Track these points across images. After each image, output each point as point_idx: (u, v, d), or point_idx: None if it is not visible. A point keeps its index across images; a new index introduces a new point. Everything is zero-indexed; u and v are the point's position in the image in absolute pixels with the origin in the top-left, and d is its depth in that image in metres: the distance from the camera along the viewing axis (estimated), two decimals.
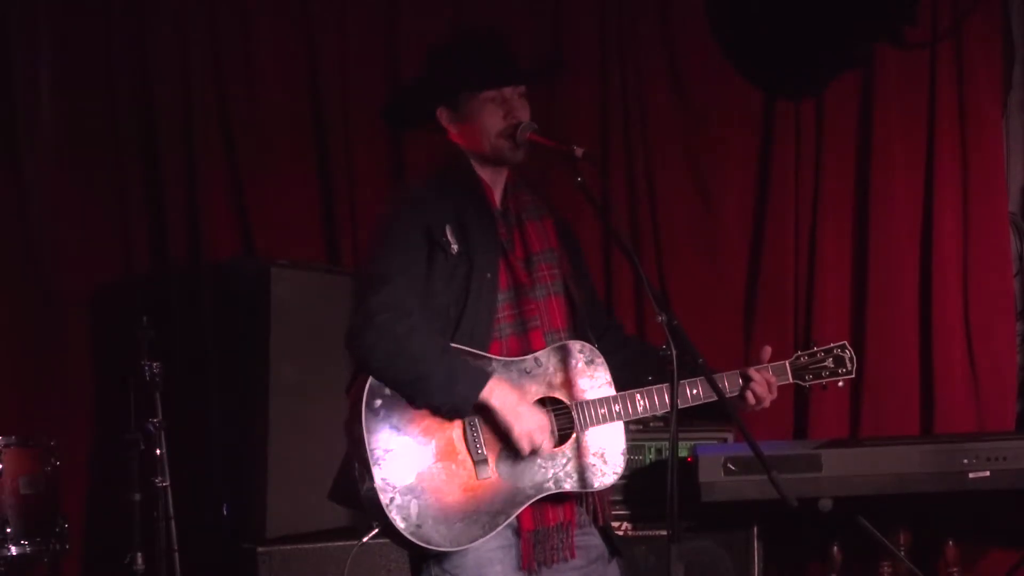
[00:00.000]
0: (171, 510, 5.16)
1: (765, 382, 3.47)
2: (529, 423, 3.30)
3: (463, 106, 3.46)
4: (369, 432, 3.26)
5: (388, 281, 3.32)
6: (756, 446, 3.31)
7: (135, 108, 6.03)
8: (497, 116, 3.44)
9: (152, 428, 5.17)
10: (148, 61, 6.01)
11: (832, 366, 3.54)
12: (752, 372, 3.47)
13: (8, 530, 5.13)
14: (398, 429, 3.28)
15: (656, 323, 3.21)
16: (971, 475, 4.97)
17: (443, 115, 3.49)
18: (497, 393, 3.29)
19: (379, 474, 3.25)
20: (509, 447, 3.33)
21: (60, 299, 5.92)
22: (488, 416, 3.31)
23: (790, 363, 3.53)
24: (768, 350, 3.52)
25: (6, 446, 5.23)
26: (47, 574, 5.36)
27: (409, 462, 3.27)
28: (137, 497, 5.19)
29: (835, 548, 5.54)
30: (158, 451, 5.16)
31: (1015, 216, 6.01)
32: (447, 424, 3.31)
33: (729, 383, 3.47)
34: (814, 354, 3.55)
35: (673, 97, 6.14)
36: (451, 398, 3.27)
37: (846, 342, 3.58)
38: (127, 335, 5.30)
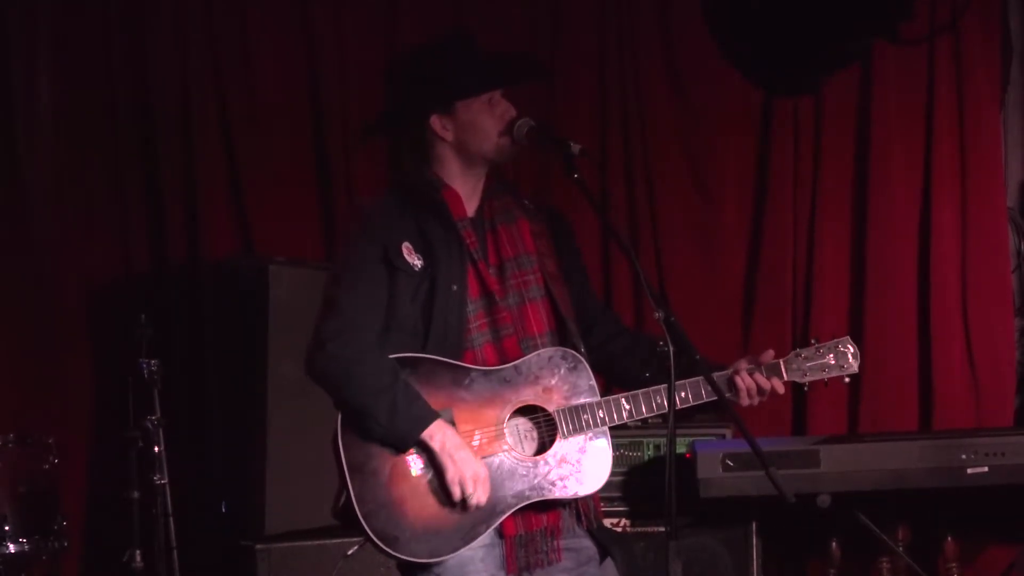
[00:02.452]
0: (170, 508, 5.17)
1: (754, 385, 3.41)
2: (464, 470, 3.26)
3: (460, 111, 3.44)
4: (346, 446, 3.27)
5: (338, 307, 3.33)
6: (754, 442, 3.29)
7: (134, 107, 6.03)
8: (495, 116, 3.43)
9: (151, 426, 5.17)
10: (147, 60, 6.01)
11: (833, 363, 3.48)
12: (737, 380, 3.41)
13: (6, 528, 5.12)
14: (375, 442, 3.28)
15: (654, 320, 3.19)
16: (970, 471, 4.98)
17: (437, 123, 3.45)
18: (438, 436, 3.26)
19: (355, 487, 3.25)
20: (489, 456, 3.32)
21: (59, 297, 5.92)
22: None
23: (785, 361, 3.45)
24: (770, 353, 3.46)
25: (5, 444, 5.22)
26: (46, 572, 5.36)
27: (384, 474, 3.27)
28: (136, 495, 5.19)
29: (834, 544, 5.54)
30: (157, 449, 5.16)
31: (1013, 212, 6.01)
32: None
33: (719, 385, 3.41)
34: (816, 350, 3.48)
35: (672, 94, 6.14)
36: (392, 436, 3.26)
37: (848, 336, 3.50)
38: (126, 333, 5.30)
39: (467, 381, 3.33)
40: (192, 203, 6.00)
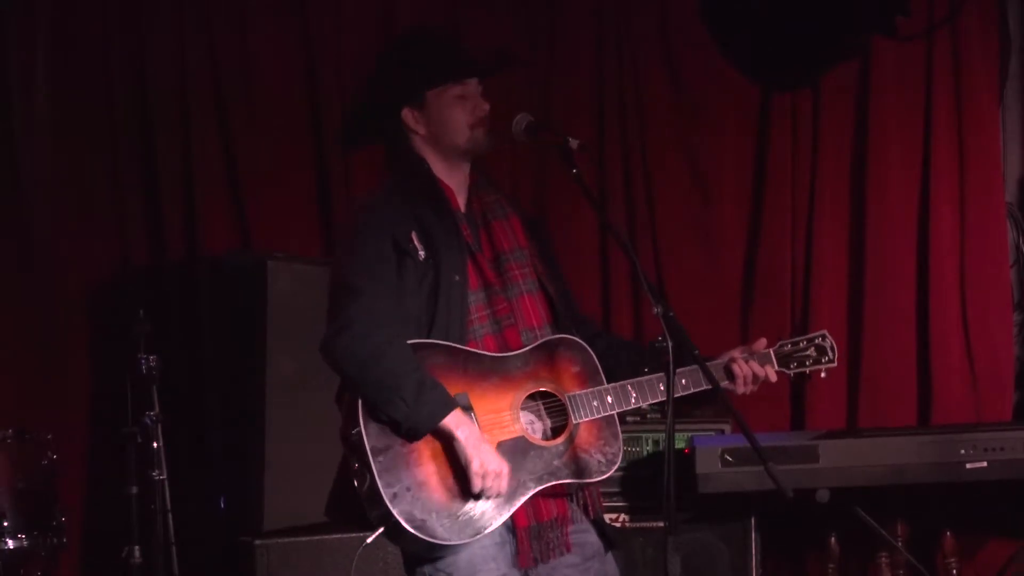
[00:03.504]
0: (168, 503, 5.17)
1: (750, 372, 3.51)
2: (489, 464, 3.27)
3: (430, 105, 3.49)
4: (368, 430, 3.26)
5: (363, 292, 3.33)
6: (753, 437, 3.32)
7: (132, 103, 6.02)
8: (466, 110, 3.47)
9: (149, 422, 5.17)
10: (145, 56, 6.00)
11: (814, 355, 3.60)
12: (735, 367, 3.51)
13: (5, 524, 5.13)
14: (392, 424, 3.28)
15: (652, 315, 3.21)
16: (968, 466, 4.97)
17: (409, 116, 3.50)
18: (462, 429, 3.27)
19: (380, 470, 3.24)
20: (506, 439, 3.33)
21: (57, 293, 5.92)
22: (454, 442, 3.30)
23: (774, 351, 3.58)
24: (763, 342, 3.57)
25: (3, 440, 5.23)
26: (44, 568, 5.34)
27: (408, 457, 3.27)
28: (134, 491, 5.19)
29: (833, 539, 5.55)
30: (155, 444, 5.17)
31: (1012, 207, 6.01)
32: None
33: (716, 374, 3.49)
34: (797, 343, 3.61)
35: (670, 89, 6.13)
36: (415, 416, 3.25)
37: (826, 331, 3.64)
38: (124, 329, 5.30)
39: (480, 367, 3.36)
40: (190, 199, 6.00)
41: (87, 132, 6.00)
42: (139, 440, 5.20)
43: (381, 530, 3.32)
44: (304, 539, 5.16)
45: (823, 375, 3.63)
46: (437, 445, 3.30)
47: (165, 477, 5.17)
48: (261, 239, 5.93)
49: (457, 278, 3.40)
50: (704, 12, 6.05)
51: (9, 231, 5.90)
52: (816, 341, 3.61)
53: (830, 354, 3.60)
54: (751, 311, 6.04)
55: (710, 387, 3.43)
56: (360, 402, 3.29)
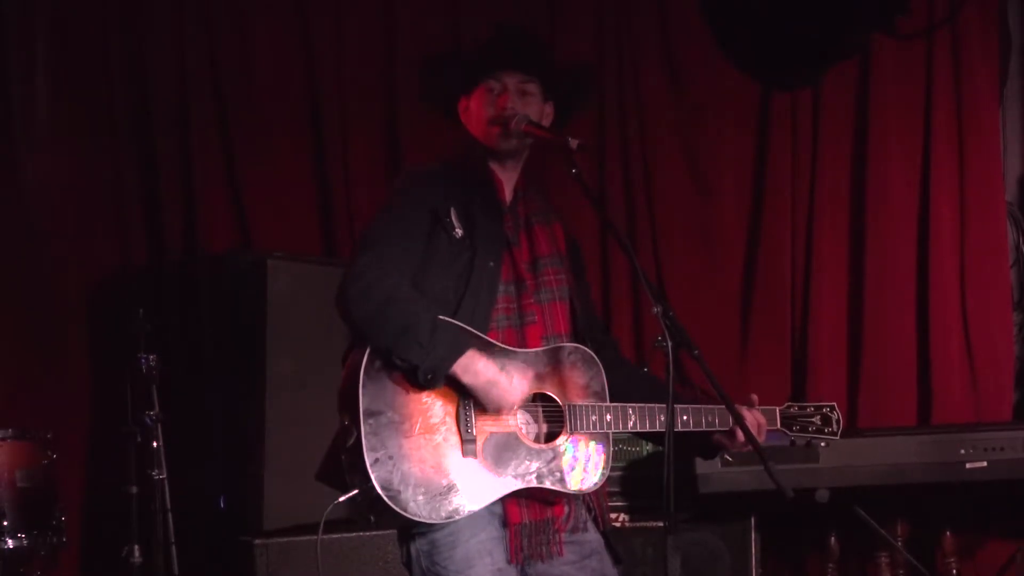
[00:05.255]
0: (168, 503, 5.17)
1: (756, 423, 3.48)
2: (505, 401, 3.28)
3: (471, 94, 3.50)
4: (365, 390, 3.23)
5: (379, 245, 3.33)
6: (753, 437, 3.32)
7: (132, 101, 6.02)
8: (490, 104, 3.46)
9: (149, 421, 5.18)
10: (145, 55, 6.01)
11: (818, 423, 3.59)
12: (744, 411, 3.47)
13: (5, 523, 5.13)
14: (394, 393, 3.25)
15: (652, 315, 3.21)
16: (968, 466, 4.99)
17: (461, 104, 3.54)
18: (471, 368, 3.25)
19: (367, 432, 3.20)
20: (498, 432, 3.33)
21: (58, 292, 5.92)
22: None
23: (780, 410, 3.56)
24: (755, 398, 3.53)
25: (3, 439, 5.23)
26: (44, 567, 5.35)
27: (399, 427, 3.23)
28: (134, 490, 5.20)
29: (832, 539, 5.55)
30: (155, 444, 5.18)
31: (1012, 207, 6.01)
32: (442, 398, 3.29)
33: (720, 418, 3.45)
34: (804, 407, 3.59)
35: (670, 89, 6.14)
36: (430, 355, 3.21)
37: (835, 404, 3.62)
38: (124, 328, 5.30)
39: (491, 355, 3.33)
40: (190, 198, 6.00)
41: (87, 132, 6.00)
42: (139, 439, 5.21)
43: (355, 492, 3.27)
44: (304, 538, 5.15)
45: (823, 445, 3.62)
46: (430, 420, 3.27)
47: (165, 476, 5.17)
48: (261, 239, 5.93)
49: (492, 264, 3.40)
50: (704, 12, 6.05)
51: (9, 231, 5.90)
52: (823, 410, 3.60)
53: (835, 427, 3.59)
54: (751, 311, 6.04)
55: (710, 430, 3.44)
56: (366, 360, 3.24)
